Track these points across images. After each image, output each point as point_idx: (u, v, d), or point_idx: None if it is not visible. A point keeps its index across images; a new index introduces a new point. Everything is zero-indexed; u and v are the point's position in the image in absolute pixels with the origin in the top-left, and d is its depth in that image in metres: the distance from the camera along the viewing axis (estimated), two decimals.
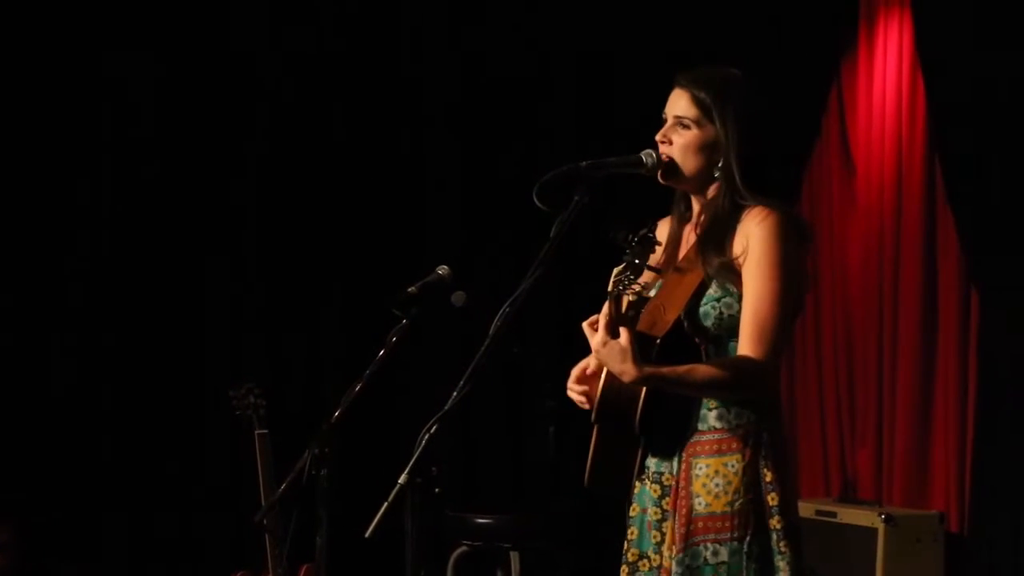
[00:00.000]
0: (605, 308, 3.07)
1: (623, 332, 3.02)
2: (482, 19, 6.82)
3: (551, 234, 3.05)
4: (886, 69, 6.26)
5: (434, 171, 6.79)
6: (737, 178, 3.20)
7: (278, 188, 6.53)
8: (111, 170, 6.31)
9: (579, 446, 3.36)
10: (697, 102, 3.22)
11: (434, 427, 2.85)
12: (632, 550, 3.30)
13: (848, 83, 6.47)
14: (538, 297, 3.05)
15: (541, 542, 5.96)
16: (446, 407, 2.87)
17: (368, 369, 3.47)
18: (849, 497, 6.26)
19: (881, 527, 5.70)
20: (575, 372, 3.32)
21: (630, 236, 3.01)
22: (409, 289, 3.53)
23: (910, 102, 6.17)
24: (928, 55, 6.03)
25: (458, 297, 3.54)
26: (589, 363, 3.30)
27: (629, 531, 3.32)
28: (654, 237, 2.99)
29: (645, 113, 3.42)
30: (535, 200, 3.07)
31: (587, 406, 3.27)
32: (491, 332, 2.98)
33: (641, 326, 3.08)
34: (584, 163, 3.14)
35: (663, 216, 3.38)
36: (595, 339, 3.05)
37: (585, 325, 3.11)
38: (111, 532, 6.22)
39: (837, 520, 5.90)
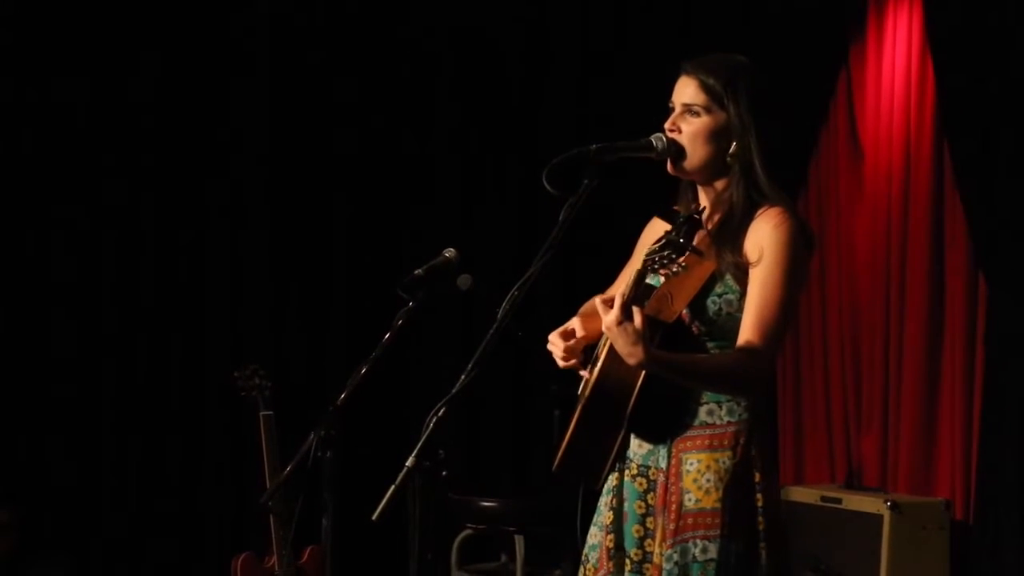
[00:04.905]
0: (623, 287, 3.02)
1: (637, 314, 2.96)
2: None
3: (560, 217, 3.02)
4: (895, 54, 6.24)
5: (440, 153, 6.77)
6: (757, 166, 3.15)
7: (281, 168, 6.52)
8: (112, 152, 6.30)
9: None
10: (706, 88, 3.17)
11: (442, 410, 2.84)
12: (610, 535, 3.24)
13: (857, 68, 6.45)
14: (545, 280, 3.04)
15: (546, 526, 5.96)
16: (454, 390, 2.86)
17: (374, 352, 3.46)
18: (854, 484, 6.25)
19: (887, 514, 5.70)
20: (559, 333, 3.27)
21: (678, 214, 2.96)
22: (415, 272, 3.52)
23: (919, 88, 6.14)
24: (938, 40, 6.01)
25: (464, 280, 3.52)
26: (570, 325, 3.27)
27: (605, 516, 3.26)
28: (701, 219, 2.93)
29: (653, 97, 3.40)
30: (544, 183, 3.05)
31: (568, 363, 3.23)
32: (499, 315, 2.96)
33: (646, 312, 3.03)
34: (594, 146, 3.11)
35: (675, 201, 3.34)
36: (609, 317, 2.97)
37: (598, 301, 3.05)
38: (114, 514, 6.22)
39: (842, 507, 5.89)
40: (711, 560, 3.09)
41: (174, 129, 6.35)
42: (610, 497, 3.26)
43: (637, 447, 3.23)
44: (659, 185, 3.38)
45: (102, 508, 6.21)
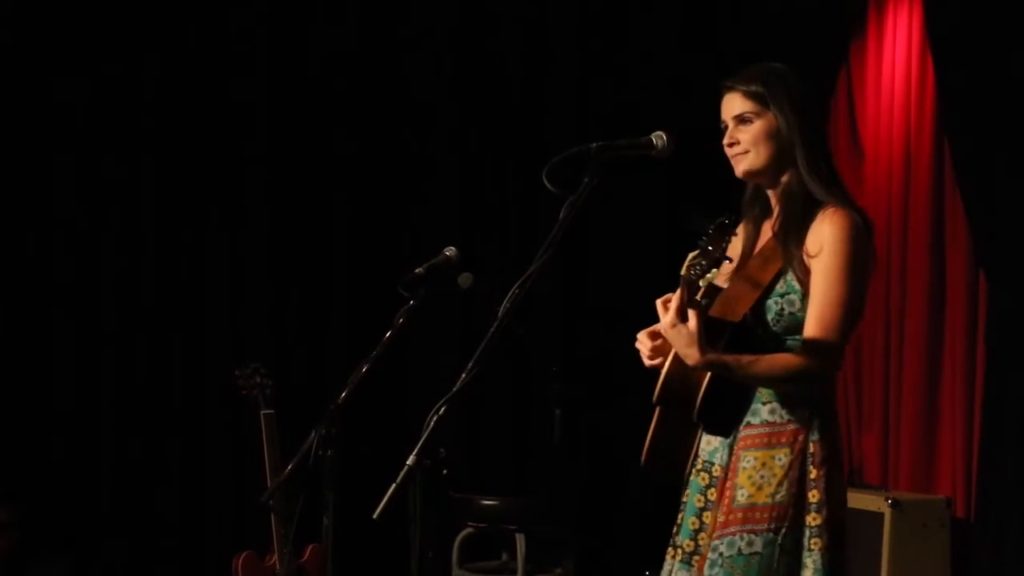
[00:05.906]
0: (679, 290, 3.09)
1: (692, 316, 3.06)
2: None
3: (560, 216, 3.03)
4: (895, 52, 6.24)
5: (440, 152, 6.77)
6: (810, 161, 3.26)
7: (281, 165, 6.51)
8: (112, 152, 6.30)
9: (585, 429, 3.35)
10: (750, 95, 3.28)
11: (443, 409, 2.84)
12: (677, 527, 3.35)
13: (857, 66, 6.45)
14: (546, 279, 3.04)
15: (547, 525, 5.96)
16: (455, 389, 2.85)
17: (375, 350, 3.46)
18: (855, 481, 6.25)
19: (888, 512, 5.70)
20: (646, 330, 3.33)
21: (707, 223, 3.02)
22: (416, 270, 3.52)
23: (919, 85, 6.14)
24: (938, 39, 6.00)
25: (465, 278, 3.53)
26: (658, 326, 3.30)
27: (680, 515, 3.35)
28: (730, 225, 3.00)
29: (653, 94, 3.40)
30: (545, 182, 3.05)
31: (651, 362, 3.29)
32: (500, 314, 2.96)
33: (713, 314, 3.13)
34: (594, 145, 3.12)
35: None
36: (665, 319, 3.10)
37: (659, 303, 3.16)
38: (114, 514, 6.21)
39: None
40: (756, 554, 3.17)
41: (174, 129, 6.35)
42: (687, 492, 3.35)
43: (705, 443, 3.32)
44: (662, 186, 3.38)
45: (102, 508, 6.21)
